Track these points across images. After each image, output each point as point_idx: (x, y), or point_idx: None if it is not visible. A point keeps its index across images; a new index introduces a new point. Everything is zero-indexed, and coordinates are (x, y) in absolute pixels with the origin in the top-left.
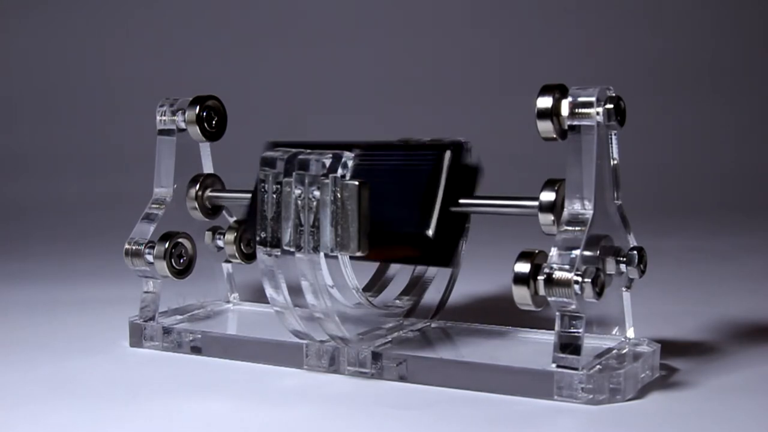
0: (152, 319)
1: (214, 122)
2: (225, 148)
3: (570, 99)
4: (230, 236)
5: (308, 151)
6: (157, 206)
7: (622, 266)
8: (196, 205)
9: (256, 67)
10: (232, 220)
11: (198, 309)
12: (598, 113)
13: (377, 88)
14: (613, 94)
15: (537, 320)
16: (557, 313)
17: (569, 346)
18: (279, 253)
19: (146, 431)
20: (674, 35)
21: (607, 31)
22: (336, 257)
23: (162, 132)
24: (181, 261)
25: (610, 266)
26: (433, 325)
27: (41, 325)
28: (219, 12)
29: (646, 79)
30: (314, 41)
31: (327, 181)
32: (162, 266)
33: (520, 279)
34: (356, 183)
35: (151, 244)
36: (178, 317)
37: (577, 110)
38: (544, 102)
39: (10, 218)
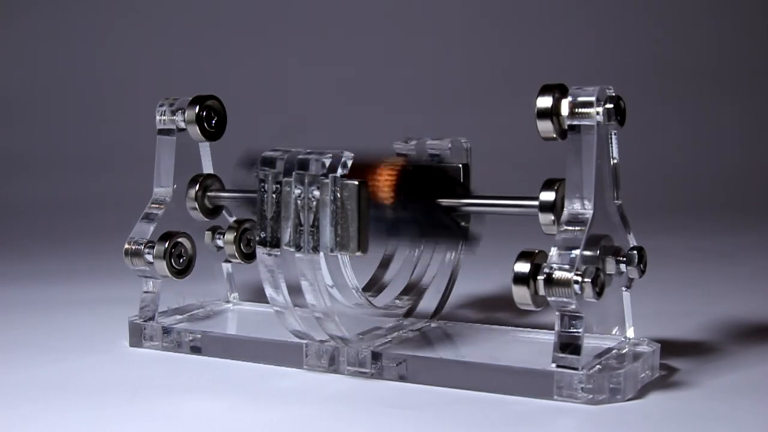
0: (152, 319)
1: (213, 122)
2: (225, 148)
3: (570, 99)
4: (230, 236)
5: (308, 150)
6: (157, 206)
7: (622, 266)
8: (196, 205)
9: (256, 66)
10: (232, 220)
11: (198, 309)
12: (597, 113)
13: (377, 88)
14: (613, 94)
15: (537, 320)
16: (557, 313)
17: (569, 346)
18: (279, 253)
19: (146, 431)
20: (675, 35)
21: (608, 31)
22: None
23: (162, 132)
24: (181, 261)
25: (610, 266)
26: (433, 325)
27: (41, 325)
28: (219, 11)
29: (647, 79)
30: (315, 41)
31: (327, 180)
32: (162, 266)
33: (520, 279)
34: (356, 183)
35: (150, 244)
36: (178, 317)
37: (576, 110)
38: (544, 102)
39: (10, 218)
